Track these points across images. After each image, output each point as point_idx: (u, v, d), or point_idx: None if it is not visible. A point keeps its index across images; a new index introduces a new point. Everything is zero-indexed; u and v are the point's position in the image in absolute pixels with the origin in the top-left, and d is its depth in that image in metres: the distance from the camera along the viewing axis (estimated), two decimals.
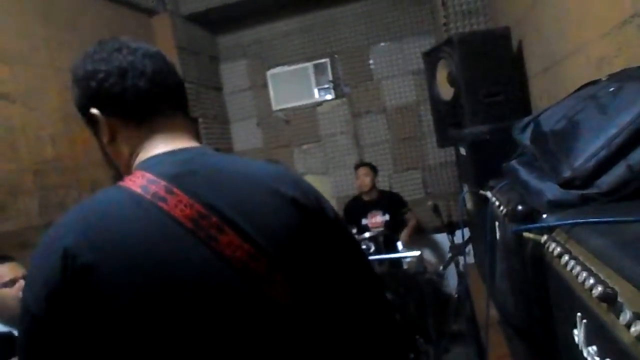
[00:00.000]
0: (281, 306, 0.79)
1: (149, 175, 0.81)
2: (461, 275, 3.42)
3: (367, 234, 3.24)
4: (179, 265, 0.76)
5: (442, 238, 4.00)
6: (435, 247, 4.28)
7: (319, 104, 4.57)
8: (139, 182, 0.80)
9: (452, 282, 3.76)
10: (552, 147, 0.95)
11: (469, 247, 2.72)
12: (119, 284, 0.73)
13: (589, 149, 0.84)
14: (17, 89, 2.63)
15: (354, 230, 4.01)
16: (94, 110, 0.88)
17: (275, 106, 4.66)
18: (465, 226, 2.40)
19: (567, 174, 0.85)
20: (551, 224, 0.78)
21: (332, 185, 4.59)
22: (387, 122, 4.45)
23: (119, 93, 0.86)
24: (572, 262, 0.65)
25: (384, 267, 3.11)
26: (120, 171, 0.94)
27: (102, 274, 0.72)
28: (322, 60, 4.50)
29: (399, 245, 3.53)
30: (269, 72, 4.64)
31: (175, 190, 0.78)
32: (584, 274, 0.60)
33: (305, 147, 4.64)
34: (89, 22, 3.25)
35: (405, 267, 3.58)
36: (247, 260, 0.77)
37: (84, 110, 0.90)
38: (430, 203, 3.72)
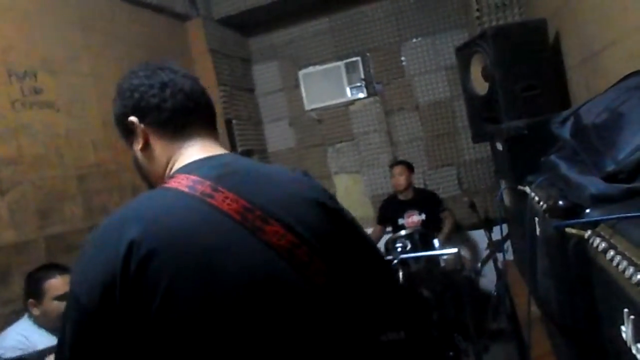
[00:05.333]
0: (319, 288, 0.87)
1: (193, 177, 0.87)
2: (500, 272, 3.37)
3: (403, 232, 3.23)
4: (232, 252, 0.81)
5: (479, 235, 3.95)
6: (473, 244, 4.22)
7: (352, 102, 4.57)
8: (184, 183, 0.86)
9: (490, 279, 3.71)
10: (594, 141, 0.93)
11: (507, 244, 2.68)
12: (180, 269, 0.77)
13: (635, 141, 0.82)
14: (60, 98, 2.73)
15: (389, 229, 4.00)
16: (132, 118, 0.95)
17: (307, 106, 4.68)
18: (503, 222, 2.37)
19: (611, 167, 0.84)
20: (595, 218, 0.76)
21: (365, 184, 4.58)
22: (420, 119, 4.42)
23: (157, 104, 0.94)
24: (618, 257, 0.64)
25: (420, 265, 3.09)
26: (149, 178, 1.01)
27: (164, 259, 0.77)
28: (354, 59, 4.50)
29: (436, 242, 3.50)
30: (301, 72, 4.67)
31: (220, 188, 0.85)
32: (632, 269, 0.59)
33: (338, 145, 4.65)
34: (125, 29, 3.34)
35: (442, 264, 3.55)
36: (291, 247, 0.85)
37: (122, 119, 0.97)
38: (466, 199, 3.67)
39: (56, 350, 0.84)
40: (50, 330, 2.03)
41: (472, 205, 3.49)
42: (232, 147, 4.17)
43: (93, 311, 0.76)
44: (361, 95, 4.53)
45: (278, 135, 4.83)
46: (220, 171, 0.89)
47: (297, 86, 4.70)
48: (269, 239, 0.84)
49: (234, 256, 0.81)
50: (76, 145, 2.79)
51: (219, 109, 4.09)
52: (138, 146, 0.97)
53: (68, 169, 2.71)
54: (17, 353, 1.75)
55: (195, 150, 0.95)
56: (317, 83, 4.61)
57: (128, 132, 0.97)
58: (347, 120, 4.60)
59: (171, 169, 0.95)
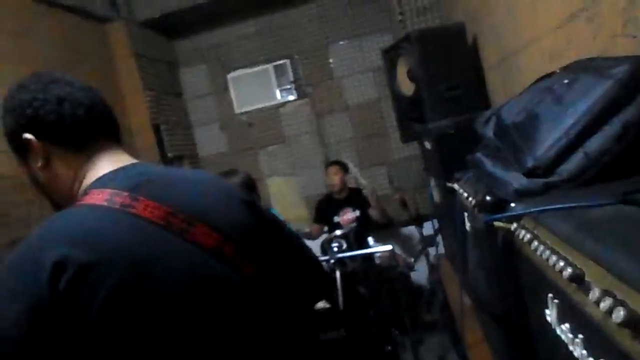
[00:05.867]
0: (249, 278, 0.90)
1: (109, 190, 0.85)
2: (432, 266, 3.51)
3: (338, 232, 3.28)
4: (164, 258, 0.82)
5: (411, 231, 4.09)
6: (405, 241, 4.35)
7: (282, 105, 4.58)
8: (101, 197, 0.84)
9: (423, 273, 3.85)
10: (515, 139, 0.99)
11: (439, 239, 2.79)
12: (116, 281, 0.76)
13: (549, 139, 0.89)
14: None
15: (325, 228, 4.05)
16: (28, 136, 0.90)
17: (237, 109, 4.64)
18: (434, 218, 2.47)
19: (530, 163, 0.90)
20: (519, 212, 0.82)
21: (299, 186, 4.60)
22: (350, 120, 4.50)
23: (55, 120, 0.90)
24: (541, 247, 0.69)
25: (356, 264, 3.15)
26: (52, 197, 0.97)
27: (97, 274, 0.75)
28: (282, 62, 4.51)
29: (370, 240, 3.58)
30: (229, 76, 4.62)
31: (139, 197, 0.84)
32: (554, 258, 0.64)
33: (270, 148, 4.64)
34: (40, 31, 3.15)
35: (377, 262, 3.64)
36: (219, 245, 0.87)
37: (15, 136, 0.91)
38: (397, 197, 3.79)
39: None
40: None
41: (403, 203, 3.61)
42: (162, 153, 4.05)
43: (22, 341, 0.72)
44: (291, 97, 4.55)
45: (209, 140, 4.75)
46: (135, 180, 0.88)
47: (226, 89, 4.64)
48: (197, 240, 0.85)
49: (167, 261, 0.81)
50: None
51: (146, 114, 3.97)
52: (37, 164, 0.91)
53: None
54: None
55: (105, 163, 0.93)
56: (247, 86, 4.58)
57: (23, 149, 0.92)
58: (278, 123, 4.60)
59: (80, 185, 0.92)
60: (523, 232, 0.77)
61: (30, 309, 0.72)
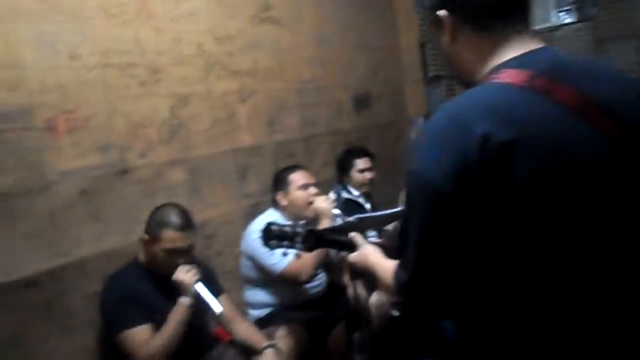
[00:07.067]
0: None
1: (523, 72, 0.85)
2: None
3: None
4: (576, 146, 0.81)
5: None
6: None
7: (556, 28, 4.17)
8: (517, 78, 0.85)
9: None
10: None
11: None
12: (540, 159, 0.78)
13: None
14: (284, 15, 2.91)
15: None
16: (441, 12, 0.95)
17: None
18: None
19: None
20: None
21: None
22: (634, 49, 3.89)
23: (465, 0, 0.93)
24: None
25: None
26: (458, 72, 1.01)
27: (522, 150, 0.77)
28: None
29: None
30: None
31: (555, 82, 0.83)
32: None
33: None
34: None
35: None
36: (627, 142, 0.83)
37: (433, 12, 0.97)
38: None
39: (402, 235, 0.90)
40: (294, 218, 2.35)
41: None
42: (424, 71, 4.14)
43: (449, 192, 0.79)
44: (569, 20, 4.10)
45: None
46: (550, 64, 0.86)
47: None
48: (607, 133, 0.82)
49: (577, 149, 0.81)
50: (295, 61, 2.99)
51: (415, 33, 4.05)
52: (446, 39, 0.97)
53: (289, 82, 2.93)
54: None
55: (514, 45, 0.91)
56: None
57: (438, 24, 0.98)
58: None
59: (485, 66, 0.93)
60: None
61: (456, 167, 0.79)
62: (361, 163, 2.94)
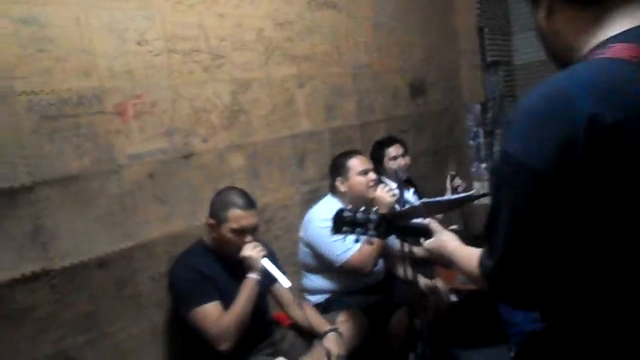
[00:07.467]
0: None
1: (632, 45, 0.79)
2: None
3: None
4: None
5: None
6: None
7: None
8: (626, 52, 0.79)
9: None
10: None
11: None
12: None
13: None
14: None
15: None
16: None
17: None
18: None
19: None
20: None
21: None
22: None
23: None
24: None
25: None
26: (552, 49, 0.96)
27: (629, 133, 0.72)
28: None
29: None
30: None
31: None
32: None
33: None
34: None
35: None
36: None
37: None
38: None
39: (489, 220, 0.86)
40: (353, 204, 2.32)
41: None
42: (481, 56, 4.02)
43: (551, 176, 0.75)
44: None
45: (525, 48, 4.46)
46: None
47: None
48: None
49: None
50: (352, 46, 2.95)
51: (473, 16, 3.92)
52: (541, 15, 0.92)
53: (346, 68, 2.90)
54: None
55: (623, 16, 0.84)
56: None
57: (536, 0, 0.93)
58: None
59: (590, 40, 0.87)
60: None
61: (559, 150, 0.74)
62: (392, 151, 2.85)
